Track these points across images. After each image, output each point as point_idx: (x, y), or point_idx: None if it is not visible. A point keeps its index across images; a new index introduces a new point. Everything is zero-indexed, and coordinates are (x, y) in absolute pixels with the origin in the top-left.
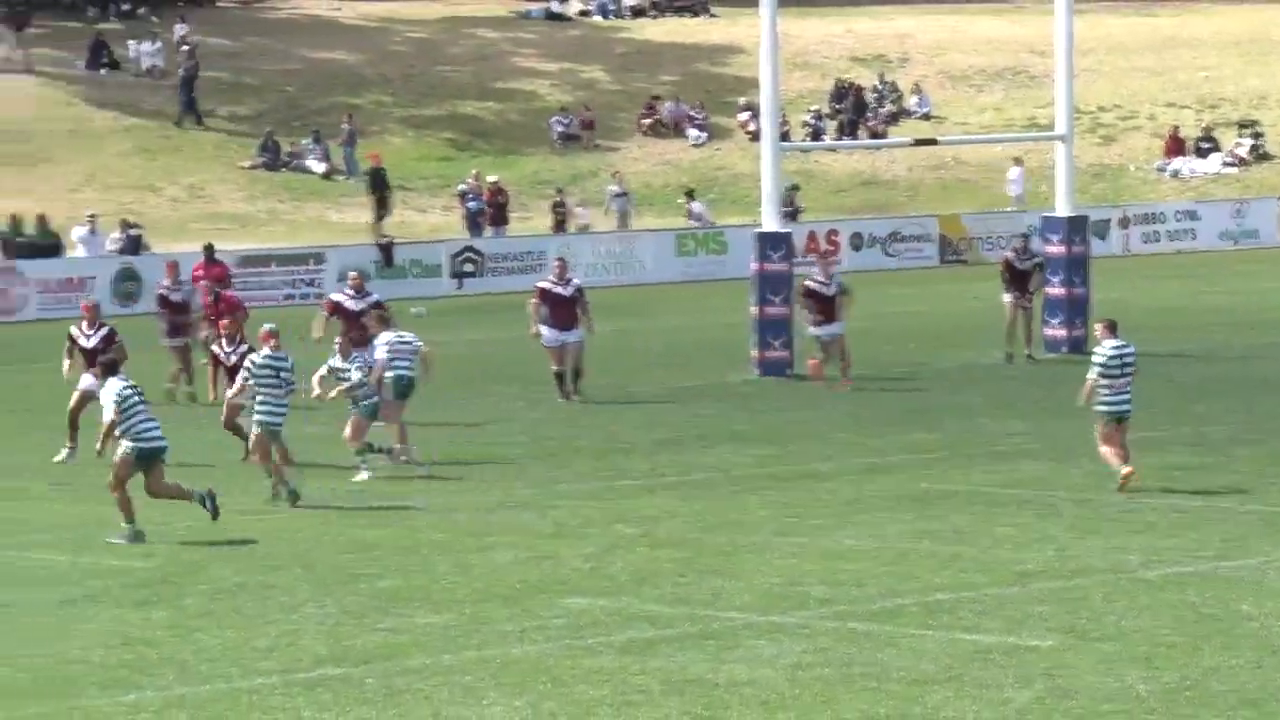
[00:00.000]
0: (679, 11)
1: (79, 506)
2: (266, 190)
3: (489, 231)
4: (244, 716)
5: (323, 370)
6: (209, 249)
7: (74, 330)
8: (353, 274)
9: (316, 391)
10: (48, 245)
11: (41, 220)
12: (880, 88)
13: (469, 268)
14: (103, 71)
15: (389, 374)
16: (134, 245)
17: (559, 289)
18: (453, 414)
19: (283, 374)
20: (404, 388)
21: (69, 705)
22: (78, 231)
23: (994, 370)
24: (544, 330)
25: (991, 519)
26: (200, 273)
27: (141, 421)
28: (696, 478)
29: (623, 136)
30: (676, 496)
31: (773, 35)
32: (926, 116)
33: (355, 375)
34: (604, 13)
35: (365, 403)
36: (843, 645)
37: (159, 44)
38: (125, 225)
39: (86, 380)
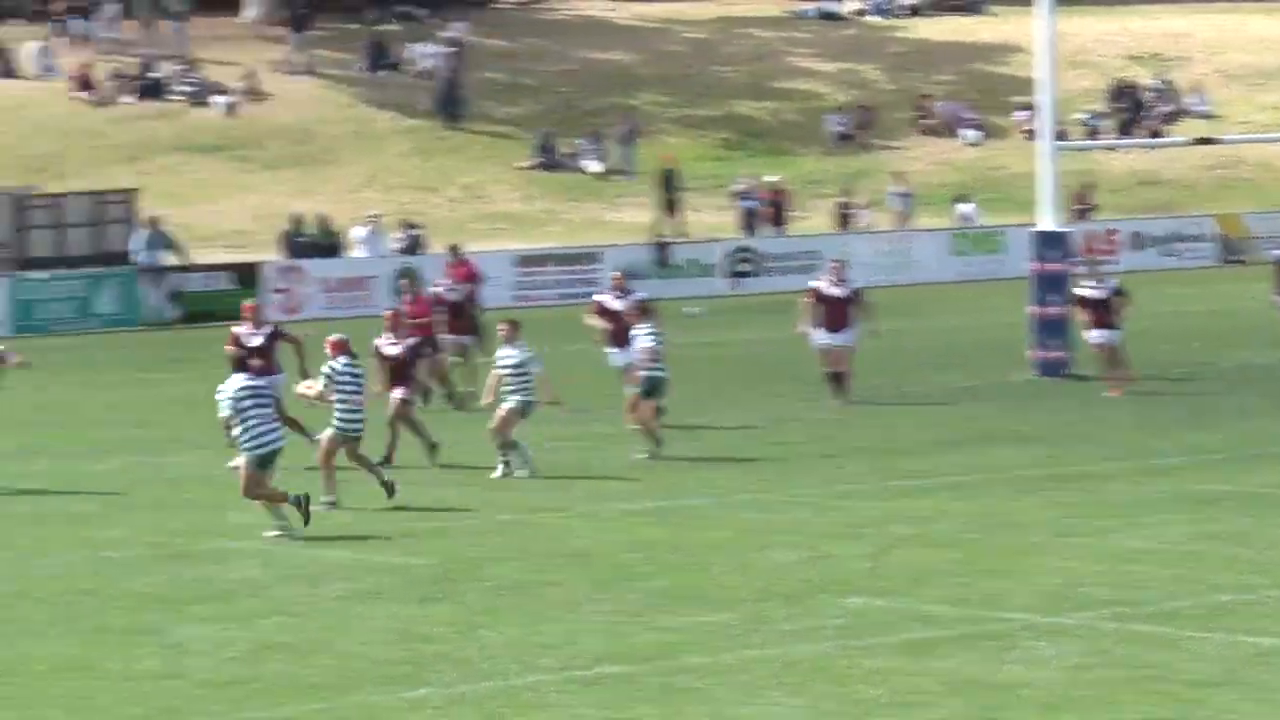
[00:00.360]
0: (955, 10)
1: (365, 504)
2: (543, 190)
3: (768, 231)
4: (524, 713)
5: (500, 370)
6: (454, 249)
7: (238, 330)
8: (615, 273)
9: (489, 400)
10: (328, 245)
11: (323, 220)
12: (1159, 86)
13: (745, 267)
14: (382, 73)
15: (642, 372)
16: (414, 245)
17: (834, 290)
18: (731, 414)
19: (360, 380)
20: (654, 386)
21: (352, 701)
22: (358, 231)
23: (1273, 370)
24: (814, 332)
25: (1271, 521)
26: (449, 272)
27: (257, 425)
28: (975, 478)
29: (897, 136)
30: (955, 497)
31: (1050, 34)
32: (1205, 115)
33: (536, 368)
34: (880, 12)
35: (522, 397)
36: (1123, 647)
37: (436, 46)
38: (406, 225)
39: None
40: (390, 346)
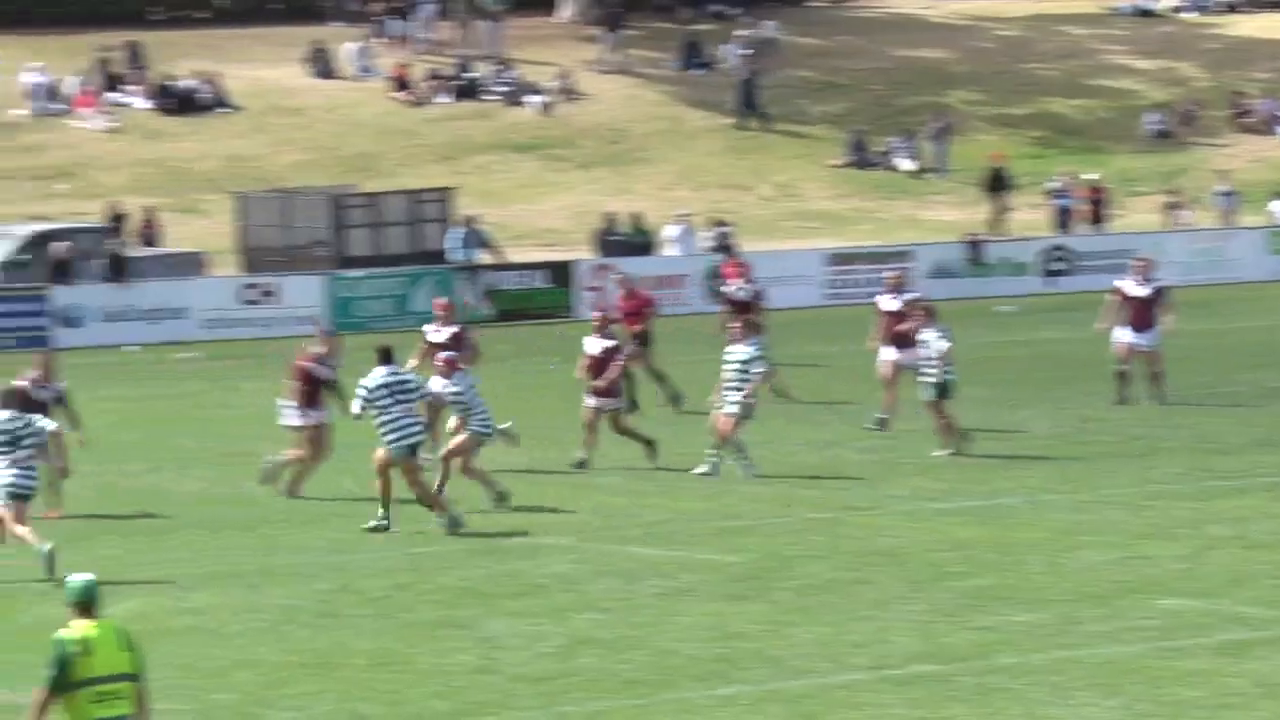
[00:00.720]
0: (1273, 7)
1: (676, 502)
2: (856, 188)
3: (1083, 229)
4: (836, 712)
5: (725, 369)
6: (729, 249)
7: (427, 328)
8: (890, 273)
9: (715, 397)
10: (640, 243)
11: (636, 218)
12: None
13: (1059, 265)
14: (695, 71)
15: (931, 378)
16: (723, 243)
17: (1138, 289)
18: (1042, 413)
19: (475, 385)
20: (944, 388)
21: (664, 697)
22: (670, 230)
23: None
24: (1115, 329)
25: None
26: (727, 271)
27: (396, 418)
28: None
29: (1214, 133)
30: (1271, 497)
31: None
32: None
33: (759, 369)
34: (1197, 8)
35: (746, 400)
36: None
37: (738, 45)
38: (715, 223)
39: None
40: (593, 346)
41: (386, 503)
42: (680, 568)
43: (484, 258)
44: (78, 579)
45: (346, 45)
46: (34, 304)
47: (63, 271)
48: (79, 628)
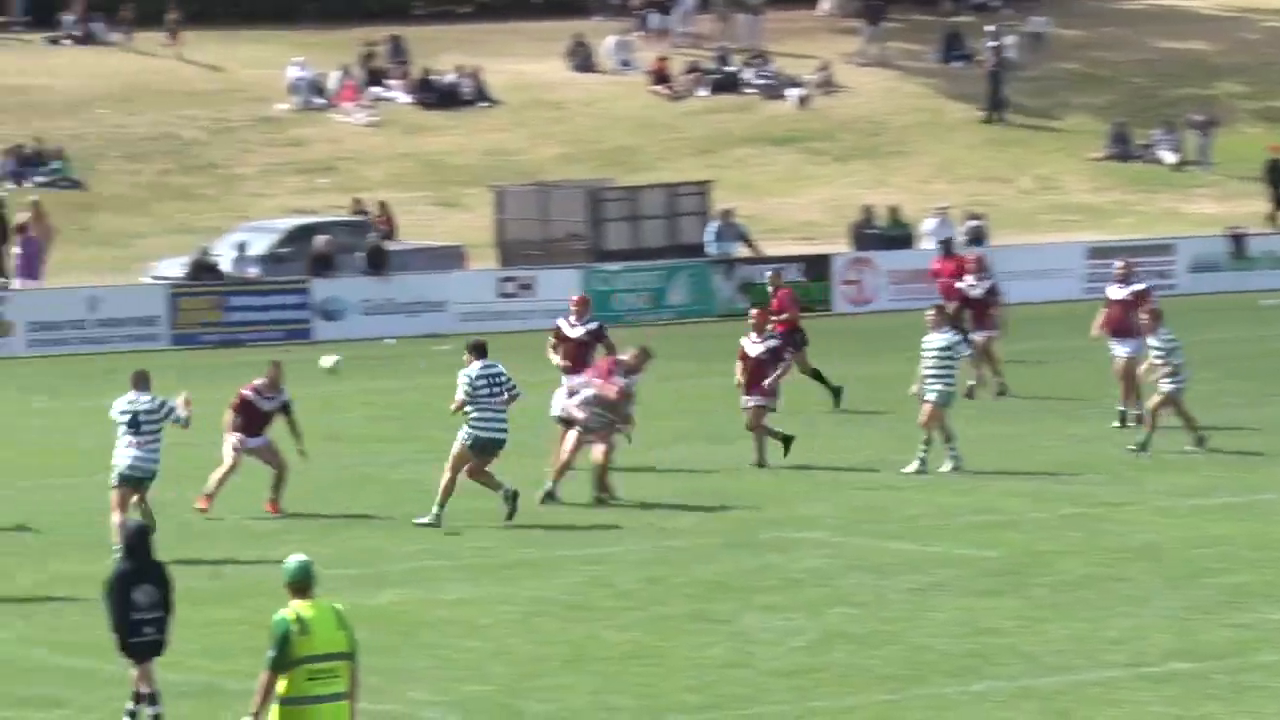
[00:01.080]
0: None
1: (931, 496)
2: (1116, 182)
3: None
4: (1091, 708)
5: (924, 357)
6: (945, 244)
7: (561, 321)
8: (1119, 264)
9: (916, 388)
10: (897, 236)
11: (893, 212)
12: None
13: None
14: (955, 64)
15: (1166, 385)
16: (978, 235)
17: None
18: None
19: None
20: (1177, 392)
21: (916, 693)
22: (927, 223)
23: None
24: None
25: None
26: (936, 268)
27: (486, 411)
28: None
29: None
30: None
31: None
32: None
33: (965, 352)
34: None
35: (943, 387)
36: None
37: (1012, 37)
38: (969, 216)
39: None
40: (752, 346)
41: (498, 491)
42: (934, 563)
43: (741, 251)
44: (293, 560)
45: (606, 39)
46: (296, 297)
47: (323, 264)
48: (296, 607)
